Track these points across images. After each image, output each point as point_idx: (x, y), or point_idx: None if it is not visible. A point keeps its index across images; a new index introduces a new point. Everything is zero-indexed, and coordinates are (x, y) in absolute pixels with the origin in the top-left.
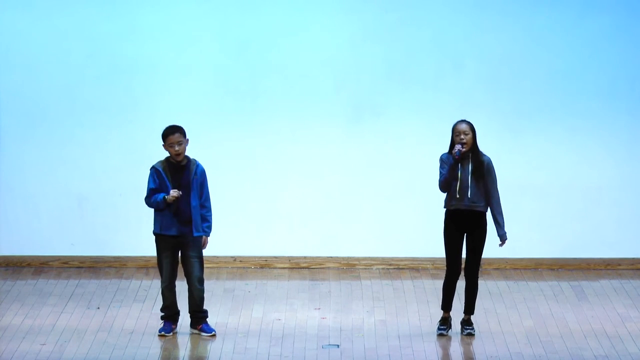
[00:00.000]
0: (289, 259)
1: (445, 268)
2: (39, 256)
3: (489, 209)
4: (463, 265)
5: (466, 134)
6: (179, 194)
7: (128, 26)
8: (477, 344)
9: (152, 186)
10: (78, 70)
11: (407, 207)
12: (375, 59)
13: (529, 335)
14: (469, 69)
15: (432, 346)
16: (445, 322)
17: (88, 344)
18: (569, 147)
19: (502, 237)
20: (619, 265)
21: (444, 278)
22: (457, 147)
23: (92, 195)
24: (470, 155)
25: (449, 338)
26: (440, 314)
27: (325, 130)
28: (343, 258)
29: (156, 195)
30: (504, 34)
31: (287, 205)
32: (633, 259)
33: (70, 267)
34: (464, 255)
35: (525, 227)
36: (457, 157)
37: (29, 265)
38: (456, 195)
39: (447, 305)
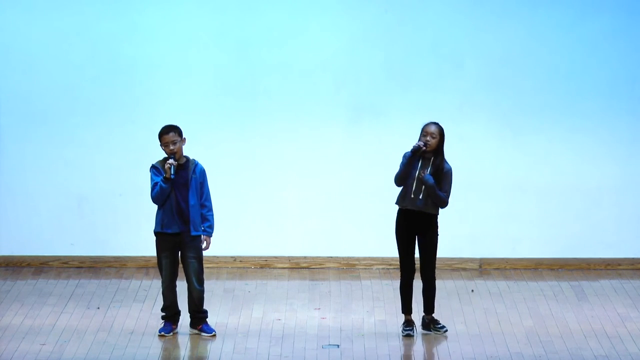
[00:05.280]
0: (289, 259)
1: (400, 270)
2: (39, 256)
3: (439, 210)
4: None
5: (433, 137)
6: (174, 162)
7: (128, 26)
8: (477, 344)
9: (156, 180)
10: (78, 70)
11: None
12: (375, 59)
13: (529, 335)
14: (469, 69)
15: (432, 346)
16: (409, 324)
17: (88, 344)
18: (569, 147)
19: (428, 179)
20: (619, 265)
21: (399, 280)
22: (418, 143)
23: (92, 195)
24: (432, 159)
25: (449, 339)
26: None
27: (325, 130)
28: (343, 258)
29: (156, 184)
30: (504, 34)
31: (287, 205)
32: (633, 259)
33: (70, 267)
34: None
35: (525, 227)
36: (413, 150)
37: (29, 265)
38: (410, 195)
39: (406, 308)
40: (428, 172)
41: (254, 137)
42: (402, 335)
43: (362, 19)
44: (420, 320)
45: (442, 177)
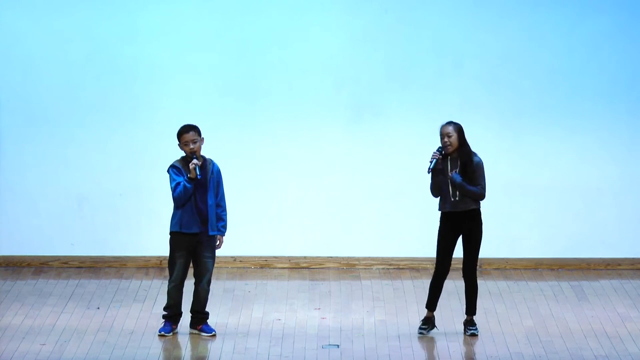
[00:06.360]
0: (289, 259)
1: (434, 267)
2: (39, 256)
3: (480, 205)
4: (455, 266)
5: (450, 136)
6: (198, 162)
7: (128, 26)
8: (477, 344)
9: (178, 180)
10: (78, 70)
11: (407, 207)
12: (375, 59)
13: (529, 335)
14: (469, 69)
15: (432, 346)
16: (427, 322)
17: (88, 344)
18: (569, 147)
19: (455, 178)
20: (619, 265)
21: (431, 277)
22: (434, 154)
23: (92, 195)
24: (457, 155)
25: (449, 338)
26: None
27: (325, 130)
28: (343, 258)
29: (178, 184)
30: (504, 34)
31: (287, 205)
32: (633, 259)
33: (70, 267)
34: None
35: (525, 227)
36: (432, 170)
37: (29, 265)
38: (450, 198)
39: (432, 304)
40: (457, 170)
41: (253, 137)
42: (418, 333)
43: (362, 19)
44: (463, 325)
45: (472, 171)
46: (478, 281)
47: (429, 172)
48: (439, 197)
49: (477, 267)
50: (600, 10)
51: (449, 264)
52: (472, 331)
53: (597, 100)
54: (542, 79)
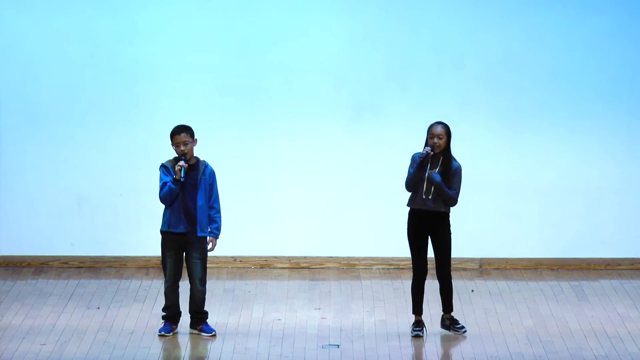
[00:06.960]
0: (289, 259)
1: (412, 271)
2: (39, 256)
3: (450, 209)
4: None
5: (440, 138)
6: (185, 164)
7: (128, 26)
8: (477, 344)
9: (165, 180)
10: (78, 70)
11: (407, 207)
12: (375, 59)
13: (529, 335)
14: (468, 69)
15: (432, 346)
16: (419, 325)
17: (88, 344)
18: (569, 147)
19: (435, 176)
20: (619, 265)
21: (411, 280)
22: (426, 148)
23: (92, 195)
24: (440, 158)
25: (449, 338)
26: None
27: (325, 130)
28: (343, 258)
29: (165, 184)
30: (504, 34)
31: (287, 205)
32: (633, 259)
33: (70, 267)
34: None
35: (525, 227)
36: (421, 157)
37: (29, 265)
38: (422, 196)
39: (417, 309)
40: (436, 171)
41: (253, 137)
42: (412, 336)
43: (362, 19)
44: (440, 320)
45: (451, 175)
46: (478, 281)
47: (417, 159)
48: (410, 193)
49: (479, 266)
50: (600, 10)
51: (425, 264)
52: (460, 330)
53: (597, 100)
54: (542, 79)
